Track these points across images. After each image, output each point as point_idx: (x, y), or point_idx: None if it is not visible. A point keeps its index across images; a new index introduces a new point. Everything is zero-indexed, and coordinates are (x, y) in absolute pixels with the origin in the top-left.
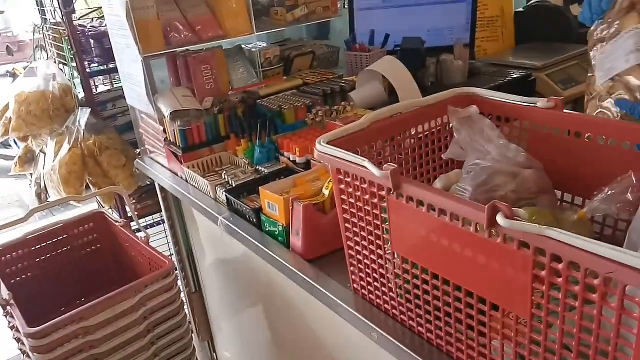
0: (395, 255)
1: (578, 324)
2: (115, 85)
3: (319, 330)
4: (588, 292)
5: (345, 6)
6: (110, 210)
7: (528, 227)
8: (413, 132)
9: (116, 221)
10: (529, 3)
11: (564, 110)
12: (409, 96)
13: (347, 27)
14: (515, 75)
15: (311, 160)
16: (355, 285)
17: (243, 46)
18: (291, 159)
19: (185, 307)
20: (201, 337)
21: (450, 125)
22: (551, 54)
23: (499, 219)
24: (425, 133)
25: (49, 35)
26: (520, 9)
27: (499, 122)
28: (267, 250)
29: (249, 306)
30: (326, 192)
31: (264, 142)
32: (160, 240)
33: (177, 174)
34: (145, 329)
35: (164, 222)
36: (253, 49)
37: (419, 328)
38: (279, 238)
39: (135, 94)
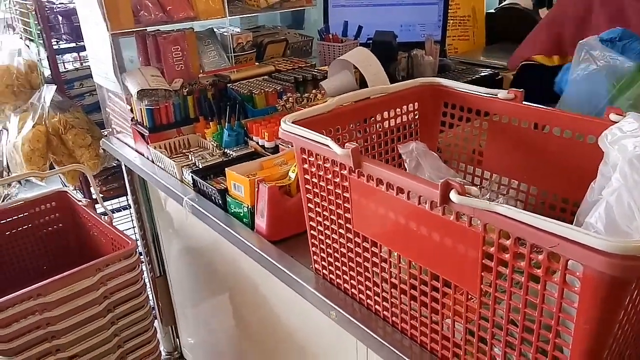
0: (356, 234)
1: (524, 299)
2: (83, 64)
3: (283, 313)
4: (533, 268)
5: None
6: (75, 192)
7: (478, 203)
8: (379, 119)
9: (79, 201)
10: (500, 5)
11: (523, 103)
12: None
13: (321, 18)
14: (483, 74)
15: (280, 145)
16: (316, 265)
17: (215, 30)
18: (260, 143)
19: (148, 290)
20: (164, 322)
21: (416, 115)
22: None
23: (452, 195)
24: (392, 120)
25: (15, 10)
26: (492, 11)
27: (462, 112)
28: (231, 231)
29: (214, 291)
30: (292, 175)
31: (233, 125)
32: (125, 225)
33: (143, 155)
34: (106, 309)
35: (130, 207)
36: (225, 34)
37: (377, 307)
38: (244, 220)
39: (103, 72)
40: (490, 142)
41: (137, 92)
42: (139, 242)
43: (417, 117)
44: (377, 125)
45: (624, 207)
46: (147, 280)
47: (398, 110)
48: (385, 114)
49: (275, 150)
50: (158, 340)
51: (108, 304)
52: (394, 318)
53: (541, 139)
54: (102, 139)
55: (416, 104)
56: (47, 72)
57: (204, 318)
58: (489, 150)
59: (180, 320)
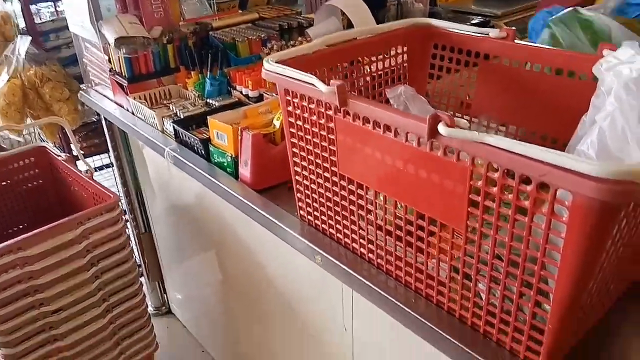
0: (341, 177)
1: (510, 233)
2: (60, 16)
3: (268, 263)
4: (521, 200)
5: None
6: (54, 148)
7: (468, 134)
8: (367, 61)
9: (59, 156)
10: None
11: (515, 41)
12: None
13: None
14: (473, 22)
15: (264, 94)
16: (302, 212)
17: None
18: (244, 92)
19: (133, 245)
20: (151, 278)
21: (405, 58)
22: (511, 3)
23: (441, 128)
24: (380, 62)
25: None
26: None
27: (452, 54)
28: (215, 181)
29: (199, 245)
30: (277, 123)
31: (215, 75)
32: (108, 182)
33: (123, 107)
34: (89, 263)
35: (112, 165)
36: None
37: (362, 250)
38: (228, 169)
39: (79, 21)
40: (480, 85)
41: (115, 40)
42: (122, 200)
43: (405, 60)
44: (364, 69)
45: (617, 132)
46: (132, 237)
47: (386, 52)
48: (373, 57)
49: (260, 99)
50: (144, 294)
51: (91, 257)
52: (378, 260)
53: (532, 79)
54: (80, 92)
55: (405, 46)
56: (21, 24)
57: (190, 273)
58: (479, 94)
59: (167, 276)
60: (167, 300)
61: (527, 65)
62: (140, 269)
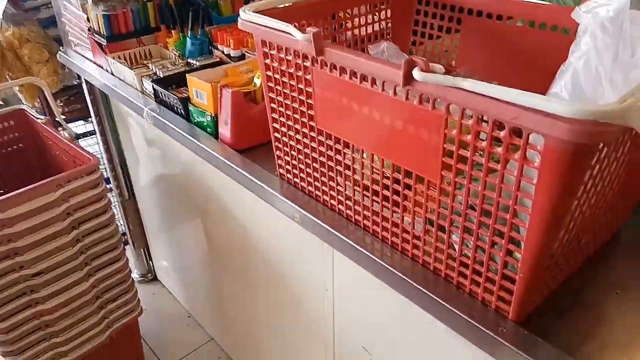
0: (319, 133)
1: (483, 181)
2: None
3: (250, 225)
4: (494, 147)
5: None
6: (34, 110)
7: (442, 79)
8: (349, 16)
9: (38, 118)
10: None
11: None
12: None
13: None
14: None
15: (246, 54)
16: (281, 170)
17: None
18: (225, 52)
19: (117, 212)
20: (137, 245)
21: (389, 14)
22: None
23: (416, 73)
24: (362, 17)
25: None
26: None
27: (436, 9)
28: (195, 141)
29: (182, 211)
30: (258, 81)
31: (197, 34)
32: (91, 150)
33: (102, 67)
34: (70, 226)
35: (95, 132)
36: None
37: (340, 206)
38: (208, 129)
39: None
40: (463, 42)
41: None
42: (106, 166)
43: (389, 16)
44: (347, 23)
45: (592, 72)
46: (117, 204)
47: (369, 7)
48: (356, 11)
49: (242, 59)
50: (127, 258)
51: (72, 220)
52: (356, 216)
53: (516, 35)
54: (59, 52)
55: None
56: None
57: (175, 238)
58: (463, 52)
59: (153, 243)
60: (153, 267)
61: (510, 21)
62: (125, 237)
